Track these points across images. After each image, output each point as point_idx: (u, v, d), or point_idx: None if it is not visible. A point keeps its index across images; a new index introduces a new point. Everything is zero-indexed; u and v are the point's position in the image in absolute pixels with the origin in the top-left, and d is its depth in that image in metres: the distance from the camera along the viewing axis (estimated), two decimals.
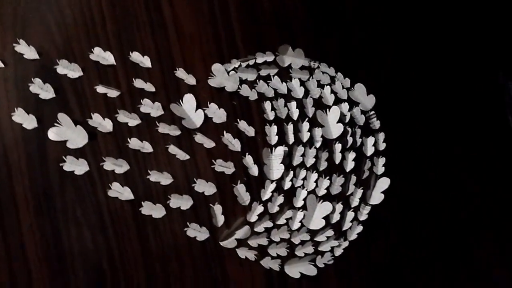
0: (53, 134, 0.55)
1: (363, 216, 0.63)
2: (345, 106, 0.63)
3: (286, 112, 0.61)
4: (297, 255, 0.61)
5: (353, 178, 0.63)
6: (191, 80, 0.59)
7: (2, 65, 0.55)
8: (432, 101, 0.66)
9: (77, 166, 0.56)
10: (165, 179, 0.57)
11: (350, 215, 0.63)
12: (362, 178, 0.63)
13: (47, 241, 0.55)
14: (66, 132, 0.56)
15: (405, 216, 0.64)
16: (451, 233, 0.66)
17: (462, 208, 0.66)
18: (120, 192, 0.56)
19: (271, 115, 0.61)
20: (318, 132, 0.62)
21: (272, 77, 0.61)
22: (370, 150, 0.64)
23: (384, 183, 0.64)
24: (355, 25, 0.64)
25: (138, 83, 0.57)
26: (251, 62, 0.61)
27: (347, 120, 0.63)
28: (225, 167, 0.59)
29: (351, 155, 0.63)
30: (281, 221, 0.61)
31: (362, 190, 0.63)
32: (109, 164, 0.56)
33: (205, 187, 0.58)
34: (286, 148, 0.61)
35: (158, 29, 0.58)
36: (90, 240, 0.56)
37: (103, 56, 0.57)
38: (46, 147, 0.56)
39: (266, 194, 0.60)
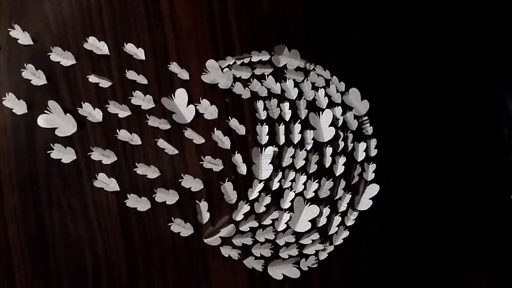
0: (42, 121, 0.55)
1: (350, 222, 0.63)
2: (338, 110, 0.63)
3: (278, 112, 0.61)
4: (281, 256, 0.61)
5: (342, 183, 0.63)
6: (184, 75, 0.58)
7: None
8: (426, 110, 0.65)
9: (65, 155, 0.56)
10: (152, 172, 0.57)
11: (337, 219, 0.62)
12: (351, 183, 0.63)
13: (30, 227, 0.55)
14: (56, 119, 0.55)
15: (392, 224, 0.64)
16: (437, 243, 0.65)
17: (450, 218, 0.65)
18: (106, 183, 0.56)
19: (263, 115, 0.61)
20: (309, 134, 0.62)
21: (266, 76, 0.61)
22: (361, 156, 0.63)
23: (373, 189, 0.63)
24: (353, 29, 0.63)
25: (131, 74, 0.57)
26: (246, 61, 0.60)
27: (339, 124, 0.63)
28: (214, 164, 0.59)
29: (342, 160, 0.62)
30: (267, 221, 0.61)
31: (350, 195, 0.63)
32: (96, 154, 0.56)
33: (192, 183, 0.58)
34: (276, 149, 0.61)
35: (154, 22, 0.58)
36: (73, 230, 0.56)
37: (97, 45, 0.57)
38: (35, 133, 0.55)
39: (253, 194, 0.60)
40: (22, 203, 0.55)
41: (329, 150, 0.62)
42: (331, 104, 0.63)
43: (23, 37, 0.55)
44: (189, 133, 0.58)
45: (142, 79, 0.57)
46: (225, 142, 0.59)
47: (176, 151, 0.58)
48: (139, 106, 0.57)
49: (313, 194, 0.62)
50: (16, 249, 0.55)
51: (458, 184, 0.66)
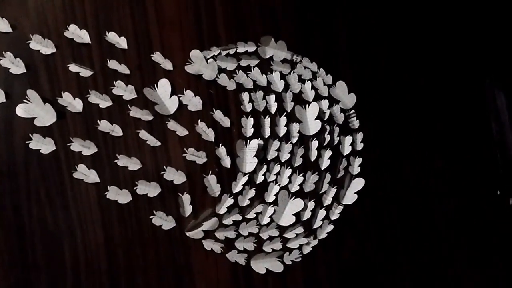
0: (21, 110, 0.54)
1: (334, 216, 0.62)
2: (325, 103, 0.62)
3: (264, 105, 0.60)
4: (265, 250, 0.60)
5: (328, 177, 0.62)
6: (167, 65, 0.57)
7: None
8: (414, 104, 0.65)
9: (44, 145, 0.54)
10: (133, 164, 0.56)
11: (322, 213, 0.62)
12: (336, 177, 0.63)
13: (7, 217, 0.54)
14: (35, 109, 0.54)
15: (377, 218, 0.64)
16: (421, 238, 0.65)
17: (435, 214, 0.65)
18: (86, 174, 0.55)
19: (248, 107, 0.60)
20: (295, 127, 0.61)
21: (252, 68, 0.60)
22: (347, 150, 0.63)
23: (358, 183, 0.63)
24: (341, 21, 0.62)
25: (113, 64, 0.56)
26: (232, 51, 0.59)
27: (326, 118, 0.62)
28: (197, 157, 0.58)
29: (327, 153, 0.62)
30: (251, 215, 0.60)
31: (335, 189, 0.62)
32: (76, 145, 0.55)
33: (175, 176, 0.57)
34: (261, 142, 0.60)
35: (137, 10, 0.57)
36: (52, 221, 0.55)
37: (78, 34, 0.55)
38: (13, 123, 0.54)
39: (237, 187, 0.59)
40: None
41: (315, 144, 0.61)
42: (318, 97, 0.62)
43: (1, 24, 0.54)
44: (172, 125, 0.57)
45: (124, 69, 0.56)
46: (209, 134, 0.58)
47: (159, 143, 0.57)
48: (121, 97, 0.56)
49: (298, 187, 0.61)
50: None
51: (444, 179, 0.65)
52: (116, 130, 0.56)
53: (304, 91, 0.61)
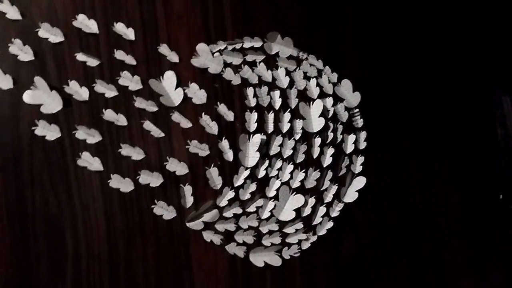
0: (28, 96, 0.55)
1: (335, 213, 0.62)
2: (329, 101, 0.62)
3: (268, 100, 0.61)
4: (264, 244, 0.61)
5: (329, 174, 0.62)
6: (174, 57, 0.58)
7: None
8: (418, 105, 0.65)
9: (49, 132, 0.55)
10: (136, 154, 0.57)
11: (322, 210, 0.62)
12: (338, 174, 0.63)
13: (11, 202, 0.55)
14: (42, 96, 0.55)
15: (377, 217, 0.64)
16: (421, 239, 0.65)
17: (436, 215, 0.65)
18: (90, 162, 0.56)
19: (252, 102, 0.60)
20: (298, 124, 0.61)
21: (258, 63, 0.60)
22: (350, 148, 0.63)
23: (360, 182, 0.63)
24: (348, 19, 0.62)
25: (119, 54, 0.56)
26: (238, 46, 0.60)
27: (330, 115, 0.62)
28: (200, 149, 0.58)
29: (330, 151, 0.62)
30: (251, 208, 0.60)
31: (337, 187, 0.62)
32: (81, 133, 0.56)
33: (177, 167, 0.58)
34: (264, 137, 0.60)
35: (145, 2, 0.57)
36: (55, 207, 0.56)
37: (86, 23, 0.56)
38: (20, 109, 0.55)
39: (238, 181, 0.60)
40: (3, 178, 0.55)
41: (317, 141, 0.62)
42: (322, 95, 0.62)
43: (11, 11, 0.55)
44: (176, 117, 0.58)
45: (130, 60, 0.57)
46: (212, 127, 0.59)
47: (162, 134, 0.57)
48: (127, 87, 0.56)
49: (299, 183, 0.61)
50: None
51: (446, 182, 0.65)
52: (121, 120, 0.56)
53: (309, 88, 0.62)
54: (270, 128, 0.60)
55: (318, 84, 0.62)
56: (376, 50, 0.63)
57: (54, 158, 0.55)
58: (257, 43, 0.60)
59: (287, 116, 0.61)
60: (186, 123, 0.58)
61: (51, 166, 0.55)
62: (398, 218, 0.64)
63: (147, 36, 0.57)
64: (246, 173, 0.60)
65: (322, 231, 0.62)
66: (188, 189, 0.58)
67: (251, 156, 0.60)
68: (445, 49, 0.65)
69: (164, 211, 0.58)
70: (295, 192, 0.61)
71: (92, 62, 0.56)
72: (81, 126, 0.56)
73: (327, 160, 0.62)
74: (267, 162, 0.60)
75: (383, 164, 0.64)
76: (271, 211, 0.61)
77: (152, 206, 0.57)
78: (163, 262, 0.58)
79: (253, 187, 0.60)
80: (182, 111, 0.58)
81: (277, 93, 0.61)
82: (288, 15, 0.61)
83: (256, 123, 0.60)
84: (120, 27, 0.57)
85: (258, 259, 0.60)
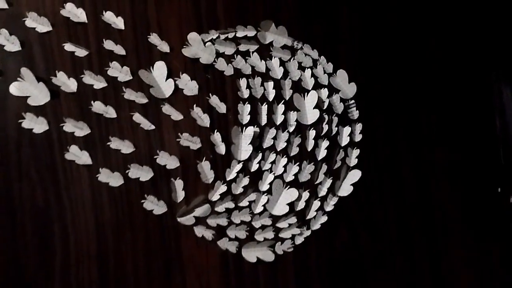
0: (14, 88, 0.53)
1: (329, 207, 0.61)
2: (324, 92, 0.61)
3: (262, 91, 0.59)
4: (256, 239, 0.60)
5: (324, 167, 0.61)
6: (164, 47, 0.56)
7: None
8: (416, 97, 0.63)
9: (36, 124, 0.54)
10: (126, 147, 0.56)
11: (316, 204, 0.61)
12: (333, 168, 0.61)
13: None
14: (28, 88, 0.54)
15: (372, 211, 0.63)
16: (417, 232, 0.64)
17: (432, 209, 0.64)
18: (78, 156, 0.55)
19: (245, 93, 0.59)
20: (293, 116, 0.60)
21: (251, 53, 0.59)
22: (345, 140, 0.61)
23: (355, 175, 0.62)
24: (343, 8, 0.61)
25: (108, 44, 0.55)
26: (231, 35, 0.58)
27: (324, 107, 0.61)
28: (191, 142, 0.57)
29: (325, 143, 0.61)
30: (244, 203, 0.59)
31: (331, 180, 0.61)
32: (69, 126, 0.54)
33: (168, 160, 0.57)
34: (257, 129, 0.59)
35: None
36: (42, 200, 0.55)
37: (75, 12, 0.54)
38: (6, 101, 0.54)
39: (231, 174, 0.59)
40: None
41: (312, 133, 0.60)
42: (317, 86, 0.61)
43: None
44: (167, 109, 0.56)
45: (120, 50, 0.55)
46: (204, 119, 0.57)
47: (153, 127, 0.56)
48: (116, 78, 0.55)
49: (293, 177, 0.60)
50: None
51: (443, 175, 0.64)
52: (110, 112, 0.55)
53: (303, 79, 0.60)
54: (264, 120, 0.59)
55: (313, 75, 0.60)
56: (372, 40, 0.62)
57: (41, 151, 0.54)
58: (251, 32, 0.58)
59: (281, 107, 0.59)
60: (177, 115, 0.57)
61: (38, 159, 0.54)
62: (394, 212, 0.63)
63: (137, 25, 0.56)
64: (239, 166, 0.59)
65: (316, 226, 0.61)
66: (179, 183, 0.57)
67: (244, 149, 0.59)
68: (443, 41, 0.63)
69: (154, 205, 0.56)
70: (288, 186, 0.60)
71: (81, 52, 0.54)
72: (69, 119, 0.54)
73: (322, 153, 0.61)
74: (260, 155, 0.59)
75: (379, 157, 0.62)
76: (264, 205, 0.60)
77: (142, 201, 0.56)
78: (154, 258, 0.57)
79: (245, 181, 0.59)
80: (173, 103, 0.57)
81: (270, 84, 0.59)
82: (282, 3, 0.59)
83: (249, 115, 0.58)
84: (109, 16, 0.55)
85: (250, 255, 0.60)
